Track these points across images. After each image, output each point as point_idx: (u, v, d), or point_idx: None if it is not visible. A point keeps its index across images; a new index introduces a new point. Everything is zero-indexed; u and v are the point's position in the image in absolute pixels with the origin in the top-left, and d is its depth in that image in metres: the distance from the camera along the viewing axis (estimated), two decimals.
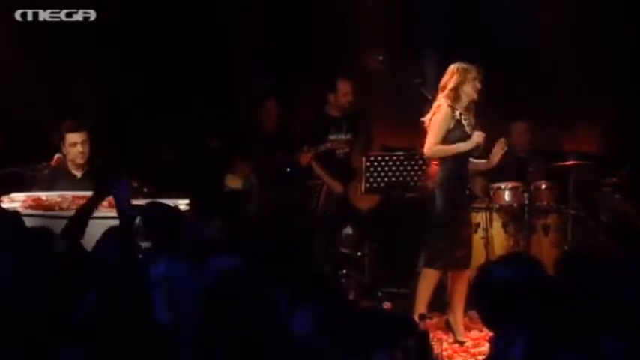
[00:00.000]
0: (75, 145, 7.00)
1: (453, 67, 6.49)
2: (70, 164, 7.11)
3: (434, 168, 6.78)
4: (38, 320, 2.96)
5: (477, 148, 6.47)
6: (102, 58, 8.33)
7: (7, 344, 2.90)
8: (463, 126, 6.43)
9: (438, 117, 6.41)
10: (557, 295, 3.15)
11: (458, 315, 6.55)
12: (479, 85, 6.45)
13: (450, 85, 6.43)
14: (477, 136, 6.41)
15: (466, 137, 6.43)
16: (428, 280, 6.49)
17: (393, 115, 8.52)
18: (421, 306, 6.39)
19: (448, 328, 6.64)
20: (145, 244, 3.72)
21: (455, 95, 6.41)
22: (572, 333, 2.97)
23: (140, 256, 3.74)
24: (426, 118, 6.47)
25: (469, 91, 6.43)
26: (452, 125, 6.41)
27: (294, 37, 8.77)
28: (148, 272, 3.66)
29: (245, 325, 2.66)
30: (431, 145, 6.42)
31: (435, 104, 6.47)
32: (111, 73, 8.43)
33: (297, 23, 8.78)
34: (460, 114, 6.43)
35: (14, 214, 4.82)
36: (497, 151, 6.57)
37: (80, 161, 7.04)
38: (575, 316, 3.05)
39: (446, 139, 6.42)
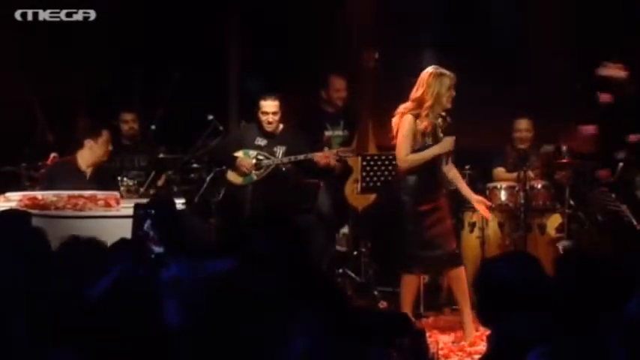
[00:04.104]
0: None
1: (427, 75, 6.16)
2: (80, 161, 7.13)
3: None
4: (39, 319, 2.97)
5: (448, 151, 6.25)
6: (101, 57, 8.37)
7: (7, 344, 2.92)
8: (428, 136, 6.18)
9: (403, 128, 6.16)
10: (558, 295, 3.16)
11: (465, 315, 6.33)
12: (454, 94, 6.16)
13: (428, 100, 6.12)
14: (447, 142, 6.19)
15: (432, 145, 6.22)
16: (407, 284, 6.37)
17: (388, 115, 8.52)
18: (406, 309, 6.24)
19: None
20: (157, 250, 3.70)
21: (431, 109, 6.12)
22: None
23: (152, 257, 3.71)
24: (394, 131, 6.24)
25: (445, 103, 6.16)
26: (418, 136, 6.16)
27: (288, 36, 8.79)
28: (159, 275, 3.67)
29: (242, 328, 2.68)
30: (403, 156, 6.21)
31: (398, 116, 6.22)
32: (110, 73, 8.46)
33: (292, 22, 8.80)
34: (426, 125, 6.17)
35: (24, 215, 4.83)
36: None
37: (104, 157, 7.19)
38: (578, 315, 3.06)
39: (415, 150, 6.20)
